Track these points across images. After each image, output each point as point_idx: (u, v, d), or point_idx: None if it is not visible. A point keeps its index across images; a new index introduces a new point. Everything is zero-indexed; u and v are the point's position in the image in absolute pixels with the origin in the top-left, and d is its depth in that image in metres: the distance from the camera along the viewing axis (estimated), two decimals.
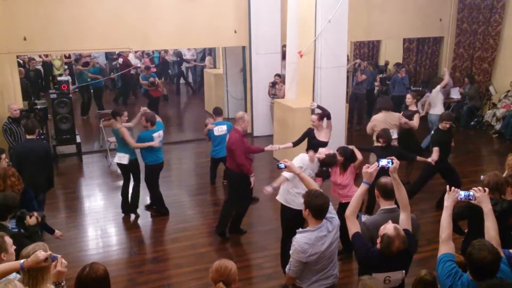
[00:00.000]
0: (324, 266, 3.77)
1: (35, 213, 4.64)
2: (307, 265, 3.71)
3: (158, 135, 7.10)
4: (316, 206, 3.64)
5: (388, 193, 3.95)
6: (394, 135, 7.48)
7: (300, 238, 3.67)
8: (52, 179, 6.58)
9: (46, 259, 3.06)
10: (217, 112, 8.16)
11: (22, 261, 3.16)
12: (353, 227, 3.69)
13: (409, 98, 8.40)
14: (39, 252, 3.11)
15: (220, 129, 7.92)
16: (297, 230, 3.77)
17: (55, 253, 3.11)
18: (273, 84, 10.67)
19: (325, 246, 3.68)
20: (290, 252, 3.74)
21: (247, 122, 6.63)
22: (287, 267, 3.82)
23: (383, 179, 3.98)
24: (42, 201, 6.57)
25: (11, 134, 7.80)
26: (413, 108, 8.22)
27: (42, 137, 9.49)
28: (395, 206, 3.93)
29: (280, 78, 10.66)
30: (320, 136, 6.84)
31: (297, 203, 5.26)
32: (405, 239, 3.43)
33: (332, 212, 3.80)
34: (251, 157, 6.81)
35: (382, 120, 7.62)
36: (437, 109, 9.51)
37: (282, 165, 4.23)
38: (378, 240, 3.47)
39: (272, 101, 10.56)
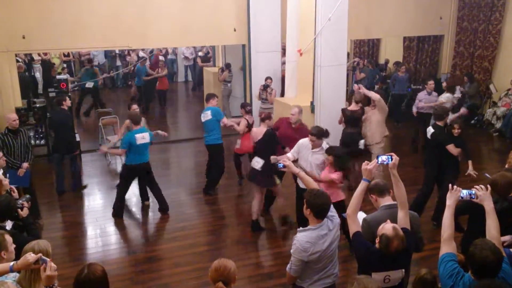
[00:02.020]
0: (325, 265, 3.77)
1: (24, 203, 4.37)
2: (308, 264, 3.71)
3: (142, 136, 6.90)
4: (318, 205, 3.63)
5: (382, 190, 3.96)
6: None
7: (301, 237, 3.66)
8: (73, 143, 8.21)
9: (36, 261, 3.02)
10: (206, 97, 8.10)
11: (11, 263, 3.13)
12: (354, 226, 3.67)
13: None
14: (28, 254, 3.07)
15: (204, 115, 7.83)
16: (298, 229, 3.78)
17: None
18: (265, 87, 9.93)
19: (326, 245, 3.67)
20: (291, 251, 3.73)
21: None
22: (288, 266, 3.81)
23: (372, 182, 3.91)
24: (72, 159, 8.12)
25: (3, 147, 6.71)
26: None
27: (41, 135, 9.49)
28: (395, 202, 3.89)
29: (272, 81, 10.01)
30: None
31: None
32: (404, 238, 3.40)
33: (332, 211, 3.79)
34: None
35: None
36: None
37: (281, 165, 4.23)
38: (377, 240, 3.46)
39: (262, 105, 9.92)
